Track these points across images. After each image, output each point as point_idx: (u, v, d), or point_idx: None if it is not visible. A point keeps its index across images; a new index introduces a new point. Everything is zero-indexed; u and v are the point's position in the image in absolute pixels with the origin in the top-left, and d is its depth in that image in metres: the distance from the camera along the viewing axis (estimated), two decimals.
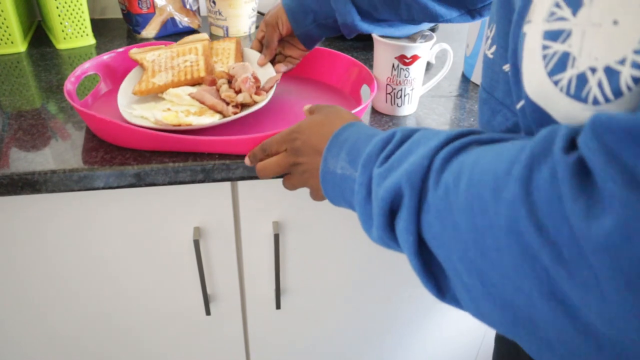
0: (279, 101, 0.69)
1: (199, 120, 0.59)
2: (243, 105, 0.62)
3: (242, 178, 0.58)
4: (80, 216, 0.60)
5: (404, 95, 0.66)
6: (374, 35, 0.64)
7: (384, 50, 0.64)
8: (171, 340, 0.77)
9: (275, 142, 0.51)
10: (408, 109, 0.69)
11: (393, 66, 0.64)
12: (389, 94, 0.66)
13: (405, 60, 0.63)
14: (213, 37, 0.98)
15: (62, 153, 0.56)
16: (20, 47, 0.84)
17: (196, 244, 0.64)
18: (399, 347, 0.91)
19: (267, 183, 0.63)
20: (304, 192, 0.65)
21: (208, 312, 0.72)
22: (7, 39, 0.82)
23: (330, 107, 0.52)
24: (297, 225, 0.68)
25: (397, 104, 0.67)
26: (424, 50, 0.64)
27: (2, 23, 0.81)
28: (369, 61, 0.86)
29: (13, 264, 0.63)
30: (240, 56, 0.72)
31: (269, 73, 0.68)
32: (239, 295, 0.74)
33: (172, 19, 0.96)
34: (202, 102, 0.61)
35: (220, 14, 0.95)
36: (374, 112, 0.69)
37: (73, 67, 0.80)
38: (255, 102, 0.62)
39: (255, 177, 0.58)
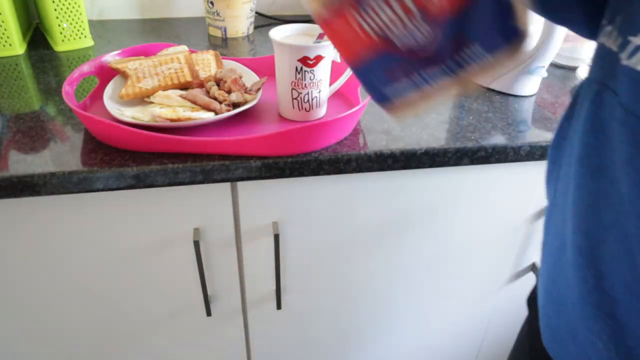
0: (277, 101, 0.69)
1: (198, 115, 0.59)
2: (234, 105, 0.63)
3: (242, 178, 0.58)
4: (80, 218, 0.60)
5: (312, 99, 0.63)
6: (273, 38, 0.59)
7: (285, 53, 0.59)
8: (171, 340, 0.77)
9: None
10: (318, 112, 0.65)
11: (297, 69, 0.59)
12: (295, 99, 0.62)
13: (308, 62, 0.59)
14: (211, 37, 0.98)
15: (61, 155, 0.56)
16: (19, 49, 0.84)
17: (196, 244, 0.64)
18: (399, 346, 0.91)
19: (267, 183, 0.63)
20: (304, 192, 0.65)
21: (208, 313, 0.72)
22: (5, 41, 0.82)
23: None
24: (297, 225, 0.68)
25: (305, 109, 0.63)
26: (328, 49, 0.59)
27: (0, 25, 0.81)
28: None
29: (12, 266, 0.63)
30: (221, 65, 0.73)
31: (253, 78, 0.70)
32: (239, 296, 0.74)
33: None
34: (194, 102, 0.61)
35: (218, 14, 0.95)
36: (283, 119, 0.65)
37: (71, 69, 0.80)
38: (246, 102, 0.63)
39: (255, 178, 0.58)
